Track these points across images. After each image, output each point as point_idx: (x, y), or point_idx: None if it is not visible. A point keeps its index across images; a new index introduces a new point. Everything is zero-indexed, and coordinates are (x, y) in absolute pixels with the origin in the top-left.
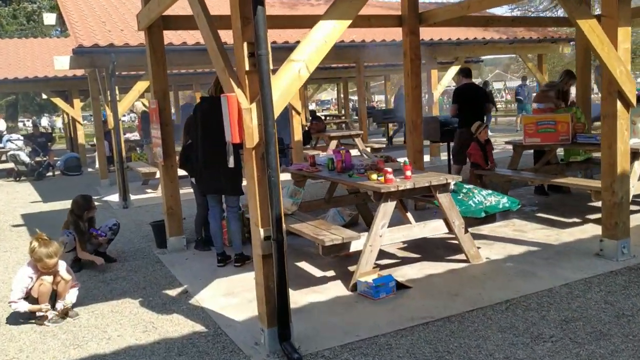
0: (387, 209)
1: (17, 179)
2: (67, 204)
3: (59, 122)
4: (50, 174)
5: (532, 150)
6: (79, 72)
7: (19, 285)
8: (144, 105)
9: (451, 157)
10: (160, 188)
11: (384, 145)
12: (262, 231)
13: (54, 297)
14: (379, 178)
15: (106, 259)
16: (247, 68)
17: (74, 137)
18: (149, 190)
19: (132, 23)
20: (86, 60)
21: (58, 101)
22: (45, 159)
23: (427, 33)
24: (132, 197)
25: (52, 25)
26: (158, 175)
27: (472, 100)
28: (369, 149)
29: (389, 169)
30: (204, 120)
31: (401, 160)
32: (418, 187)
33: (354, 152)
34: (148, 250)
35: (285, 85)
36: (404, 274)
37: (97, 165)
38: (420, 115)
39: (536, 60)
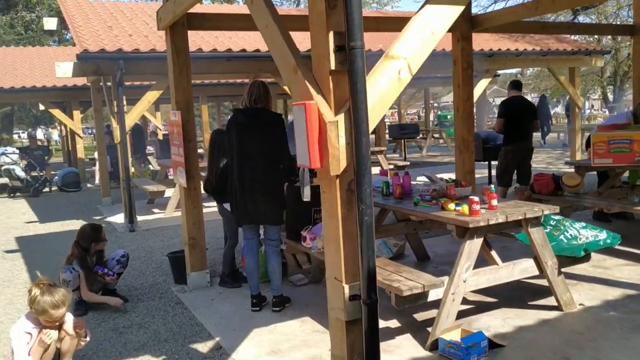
0: (472, 247)
1: (12, 195)
2: (66, 225)
3: (55, 134)
4: (47, 189)
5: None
6: (80, 82)
7: (21, 345)
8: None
9: (496, 178)
10: (168, 209)
11: (408, 163)
12: (347, 288)
13: (57, 357)
14: (457, 208)
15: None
16: (332, 67)
17: (72, 150)
18: (155, 210)
19: (141, 28)
20: (91, 67)
21: (57, 112)
22: (41, 173)
23: None
24: (138, 217)
25: (52, 30)
26: (167, 194)
27: (520, 116)
28: (392, 167)
29: (475, 198)
30: (241, 136)
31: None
32: (511, 221)
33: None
34: (165, 287)
35: (383, 90)
36: (486, 326)
37: (96, 181)
38: (472, 132)
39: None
